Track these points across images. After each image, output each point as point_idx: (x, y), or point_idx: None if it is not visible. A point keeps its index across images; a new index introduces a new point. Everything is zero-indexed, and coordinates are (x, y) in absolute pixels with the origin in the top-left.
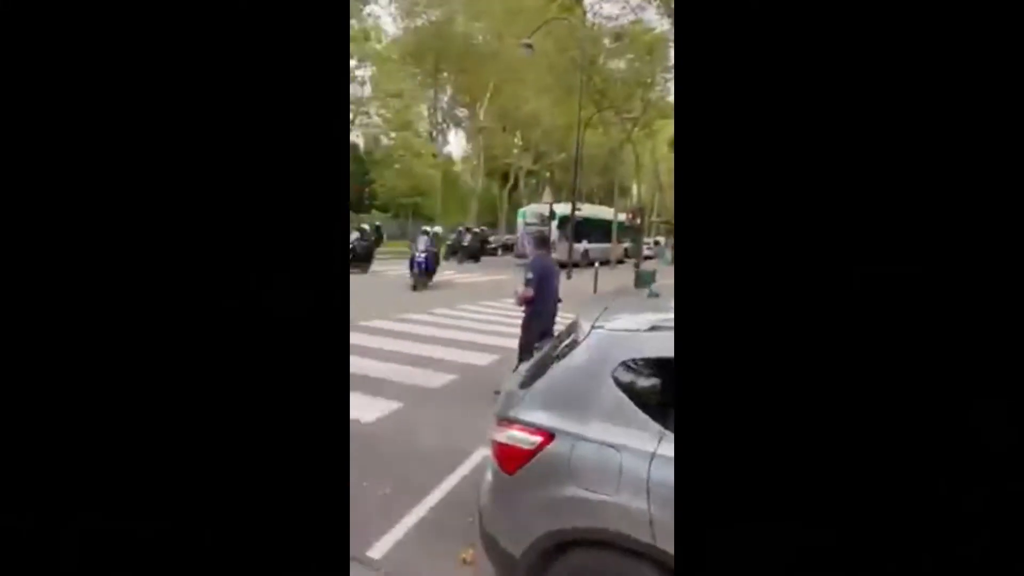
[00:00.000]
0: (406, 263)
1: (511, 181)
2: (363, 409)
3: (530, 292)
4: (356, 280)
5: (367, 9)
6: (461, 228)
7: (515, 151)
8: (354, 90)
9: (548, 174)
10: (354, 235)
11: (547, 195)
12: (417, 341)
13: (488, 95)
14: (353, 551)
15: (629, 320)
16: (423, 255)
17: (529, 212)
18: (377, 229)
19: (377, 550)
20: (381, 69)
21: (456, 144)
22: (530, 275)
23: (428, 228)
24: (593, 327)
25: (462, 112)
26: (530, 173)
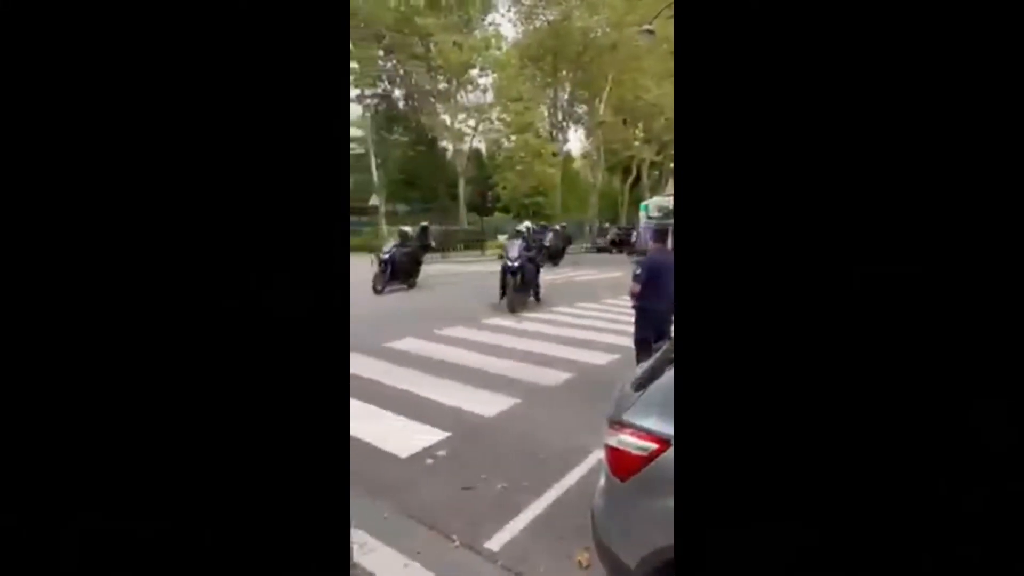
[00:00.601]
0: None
1: (633, 174)
2: (483, 404)
3: (636, 287)
4: (395, 300)
5: (488, 18)
6: (532, 226)
7: (636, 143)
8: (476, 97)
9: (672, 164)
10: (390, 244)
11: (670, 187)
12: (534, 339)
13: (608, 88)
14: (471, 541)
15: None
16: (517, 263)
17: (652, 205)
18: (423, 232)
19: (495, 542)
20: (501, 75)
21: (576, 141)
22: (638, 271)
23: (521, 227)
24: None
25: (582, 108)
26: (653, 165)
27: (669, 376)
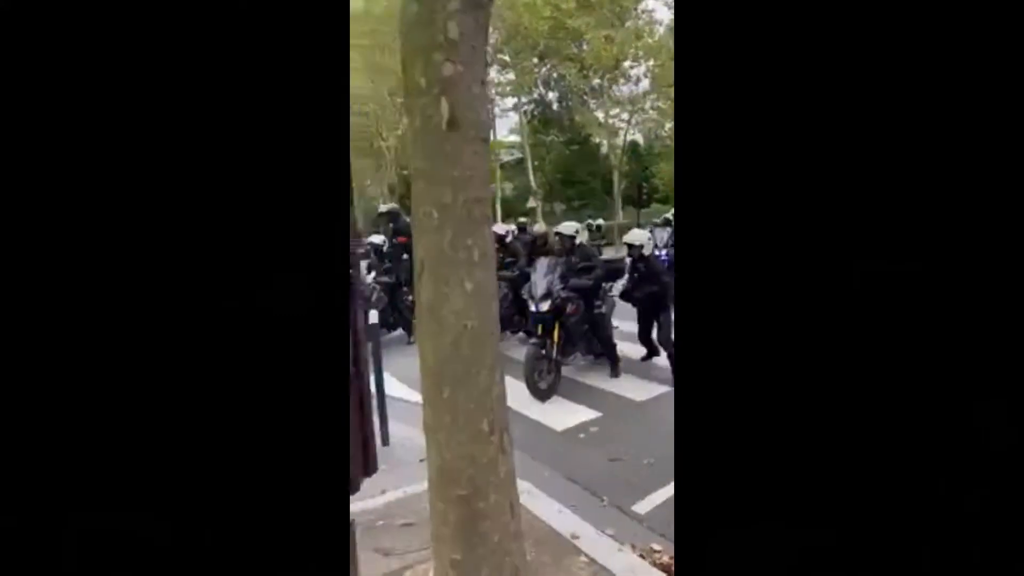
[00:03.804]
0: None
1: None
2: (638, 391)
3: None
4: None
5: (642, 5)
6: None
7: None
8: (630, 89)
9: None
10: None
11: None
12: None
13: None
14: (622, 504)
15: None
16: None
17: None
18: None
19: (642, 507)
20: (656, 61)
21: None
22: None
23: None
24: None
25: None
26: None
27: None
